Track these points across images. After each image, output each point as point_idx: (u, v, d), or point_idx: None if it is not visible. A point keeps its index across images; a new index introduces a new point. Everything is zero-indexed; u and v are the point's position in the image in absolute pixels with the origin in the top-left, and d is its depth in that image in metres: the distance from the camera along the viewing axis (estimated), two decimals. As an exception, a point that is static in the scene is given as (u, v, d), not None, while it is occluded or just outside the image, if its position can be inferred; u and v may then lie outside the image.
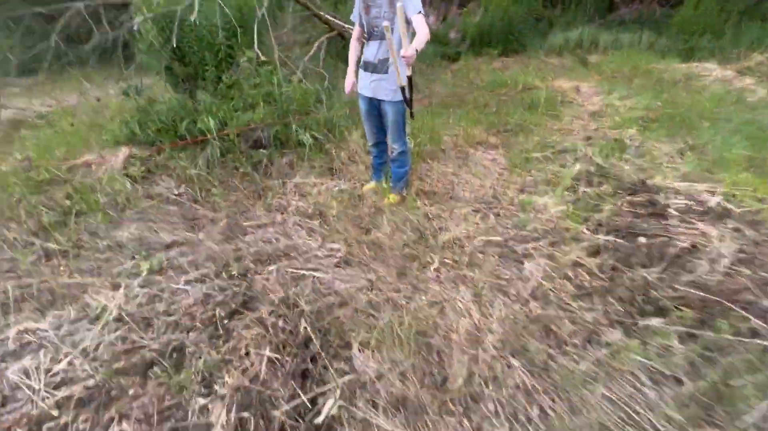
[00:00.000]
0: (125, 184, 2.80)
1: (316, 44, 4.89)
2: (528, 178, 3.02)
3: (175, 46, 3.31)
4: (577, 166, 2.93)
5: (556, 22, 8.40)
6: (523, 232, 2.40)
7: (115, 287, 2.04)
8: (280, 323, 1.80)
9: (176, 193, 2.93)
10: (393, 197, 2.89)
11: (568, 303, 1.84)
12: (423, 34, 2.27)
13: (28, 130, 3.90)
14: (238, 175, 3.14)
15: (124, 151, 3.17)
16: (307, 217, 2.75)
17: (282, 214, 2.79)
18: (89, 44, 3.40)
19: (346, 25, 5.31)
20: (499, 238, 2.35)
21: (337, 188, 3.05)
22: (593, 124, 3.84)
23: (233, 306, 1.91)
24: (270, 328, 1.78)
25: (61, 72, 4.72)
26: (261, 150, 3.22)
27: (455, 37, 7.92)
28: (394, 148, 2.75)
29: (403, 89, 2.31)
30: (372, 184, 3.07)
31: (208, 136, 3.13)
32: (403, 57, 2.13)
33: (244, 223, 2.63)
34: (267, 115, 3.16)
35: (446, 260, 2.25)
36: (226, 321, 1.82)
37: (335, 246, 2.47)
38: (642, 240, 2.02)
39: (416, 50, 2.18)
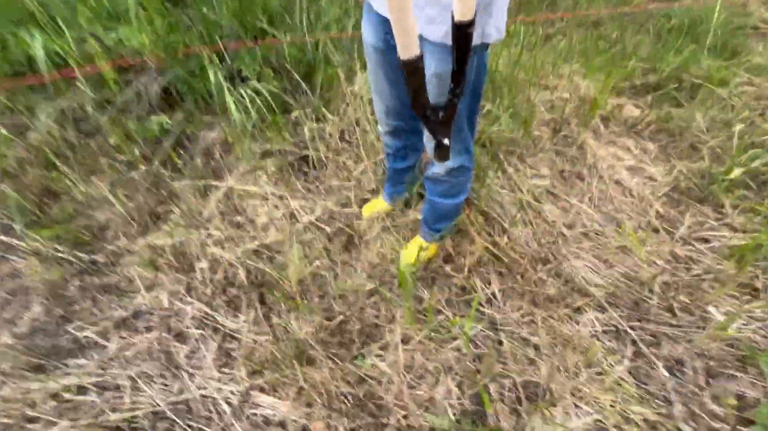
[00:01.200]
0: None
1: None
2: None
3: None
4: None
5: None
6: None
7: None
8: None
9: (-24, 205, 1.43)
10: (424, 250, 1.33)
11: None
12: None
13: None
14: (116, 166, 1.57)
15: None
16: (229, 300, 1.26)
17: (182, 280, 1.29)
18: None
19: None
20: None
21: (310, 214, 1.48)
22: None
23: None
24: None
25: None
26: (158, 115, 1.57)
27: None
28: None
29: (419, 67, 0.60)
30: (381, 203, 1.49)
31: (74, 72, 1.48)
32: None
33: (80, 323, 1.17)
34: (163, 39, 1.43)
35: None
36: None
37: (272, 412, 1.03)
38: None
39: None
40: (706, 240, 1.34)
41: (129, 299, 1.25)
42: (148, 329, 1.17)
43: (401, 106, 1.17)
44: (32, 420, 0.97)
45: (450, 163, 1.12)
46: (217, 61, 1.50)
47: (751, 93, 1.89)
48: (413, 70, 0.61)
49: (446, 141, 0.76)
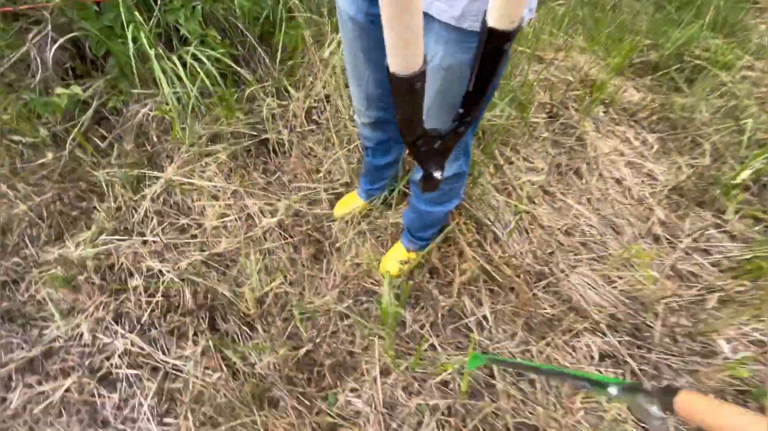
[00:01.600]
0: None
1: None
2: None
3: None
4: None
5: None
6: None
7: None
8: None
9: None
10: (405, 263, 1.15)
11: None
12: None
13: None
14: (16, 149, 1.22)
15: None
16: (171, 328, 1.03)
17: (109, 304, 1.04)
18: None
19: None
20: None
21: (271, 216, 1.23)
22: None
23: None
24: None
25: None
26: (68, 84, 1.21)
27: None
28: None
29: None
30: (356, 200, 1.28)
31: None
32: None
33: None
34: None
35: None
36: None
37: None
38: None
39: None
40: (707, 252, 1.24)
41: (38, 331, 0.99)
42: (64, 372, 0.94)
43: (386, 94, 0.92)
44: None
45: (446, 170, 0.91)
46: (142, 17, 1.14)
47: (753, 79, 1.76)
48: (408, 89, 0.39)
49: (438, 174, 0.55)
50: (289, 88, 1.39)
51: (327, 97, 1.45)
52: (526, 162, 1.43)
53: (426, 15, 0.60)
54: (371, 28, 0.75)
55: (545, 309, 1.11)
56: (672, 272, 1.19)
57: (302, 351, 1.04)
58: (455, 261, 1.15)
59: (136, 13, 1.08)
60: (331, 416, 0.96)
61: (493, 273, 1.13)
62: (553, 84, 1.59)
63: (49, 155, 1.19)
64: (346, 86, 1.47)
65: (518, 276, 1.13)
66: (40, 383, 0.91)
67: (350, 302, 1.12)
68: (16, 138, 1.20)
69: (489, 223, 1.21)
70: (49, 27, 1.09)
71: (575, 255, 1.22)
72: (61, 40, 1.10)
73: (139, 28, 1.09)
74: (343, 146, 1.39)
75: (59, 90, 1.13)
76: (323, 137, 1.42)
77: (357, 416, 0.98)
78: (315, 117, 1.45)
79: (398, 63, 0.36)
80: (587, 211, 1.32)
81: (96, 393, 0.91)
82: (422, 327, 1.08)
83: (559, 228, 1.26)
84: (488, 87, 0.43)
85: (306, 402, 0.98)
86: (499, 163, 1.36)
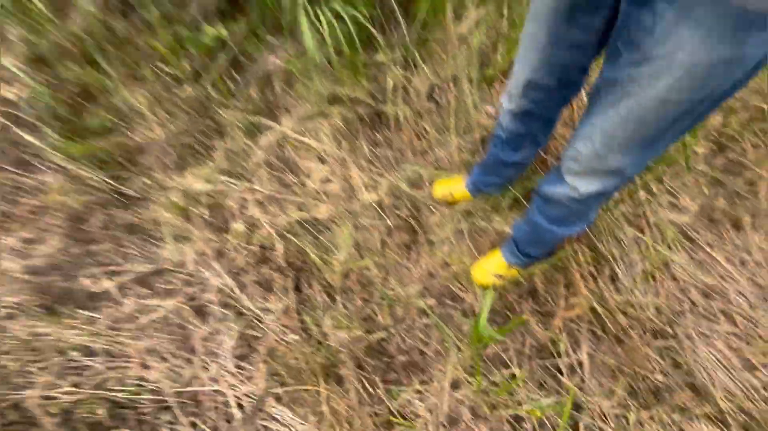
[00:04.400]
0: None
1: None
2: None
3: None
4: None
5: None
6: None
7: None
8: None
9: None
10: (501, 278, 1.05)
11: None
12: None
13: None
14: (161, 77, 1.31)
15: None
16: (261, 279, 1.06)
17: (212, 241, 1.10)
18: None
19: None
20: None
21: (372, 191, 1.20)
22: None
23: None
24: None
25: None
26: (215, 23, 1.25)
27: None
28: (580, 177, 0.75)
29: None
30: (459, 187, 1.18)
31: None
32: None
33: (99, 269, 1.02)
34: None
35: None
36: None
37: (285, 435, 0.89)
38: None
39: None
40: None
41: (154, 249, 1.09)
42: (168, 293, 1.02)
43: (551, 81, 0.78)
44: (33, 372, 0.88)
45: (590, 186, 0.74)
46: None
47: None
48: None
49: None
50: (418, 60, 1.30)
51: (454, 78, 1.34)
52: (670, 196, 1.20)
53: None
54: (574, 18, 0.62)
55: (656, 374, 0.94)
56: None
57: (375, 336, 1.02)
58: (561, 291, 1.02)
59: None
60: (390, 410, 0.94)
61: (604, 317, 0.98)
62: (731, 107, 1.29)
63: (188, 89, 1.27)
64: (480, 66, 1.34)
65: (632, 328, 0.97)
66: (149, 296, 1.01)
67: (433, 301, 1.06)
68: (163, 67, 1.29)
69: (611, 259, 1.04)
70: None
71: (711, 322, 1.01)
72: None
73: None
74: (458, 134, 1.28)
75: (207, 29, 1.17)
76: (440, 120, 1.32)
77: (415, 418, 0.94)
78: (436, 97, 1.35)
79: None
80: (738, 275, 1.07)
81: (190, 322, 0.99)
82: (506, 350, 0.99)
83: (696, 285, 1.05)
84: None
85: (369, 389, 0.96)
86: (636, 189, 1.16)
